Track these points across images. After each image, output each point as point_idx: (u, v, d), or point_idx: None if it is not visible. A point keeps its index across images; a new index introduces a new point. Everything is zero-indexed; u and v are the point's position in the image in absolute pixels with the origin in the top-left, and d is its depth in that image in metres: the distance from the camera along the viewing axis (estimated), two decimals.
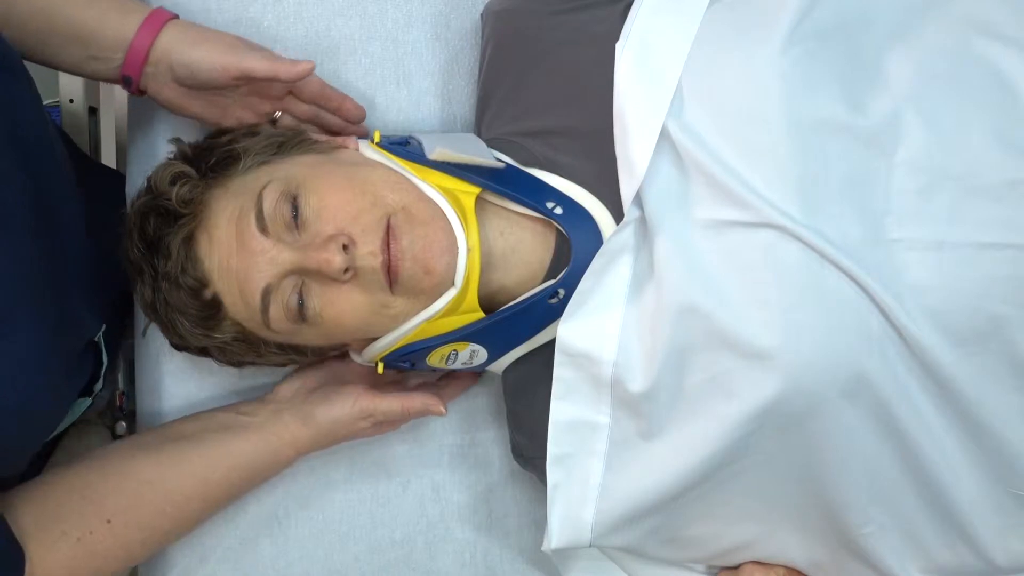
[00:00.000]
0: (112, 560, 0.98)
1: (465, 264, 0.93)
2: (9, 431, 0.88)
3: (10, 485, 0.97)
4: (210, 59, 0.97)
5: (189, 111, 1.03)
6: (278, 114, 1.05)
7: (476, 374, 1.12)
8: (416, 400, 1.04)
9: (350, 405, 1.03)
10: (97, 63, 0.99)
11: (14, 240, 0.86)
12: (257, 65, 0.97)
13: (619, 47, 0.93)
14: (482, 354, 1.00)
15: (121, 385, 1.21)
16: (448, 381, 1.12)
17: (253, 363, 1.04)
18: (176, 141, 1.03)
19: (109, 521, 0.96)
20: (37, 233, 0.89)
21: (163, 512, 1.00)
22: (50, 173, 0.94)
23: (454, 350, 0.98)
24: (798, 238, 0.85)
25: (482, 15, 1.11)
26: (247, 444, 1.03)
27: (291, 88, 1.04)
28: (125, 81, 1.00)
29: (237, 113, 1.04)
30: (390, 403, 1.04)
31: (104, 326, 1.06)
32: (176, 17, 1.01)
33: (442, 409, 1.05)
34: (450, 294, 0.94)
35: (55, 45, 0.97)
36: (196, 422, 1.06)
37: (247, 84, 1.00)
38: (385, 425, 1.08)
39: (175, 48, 0.97)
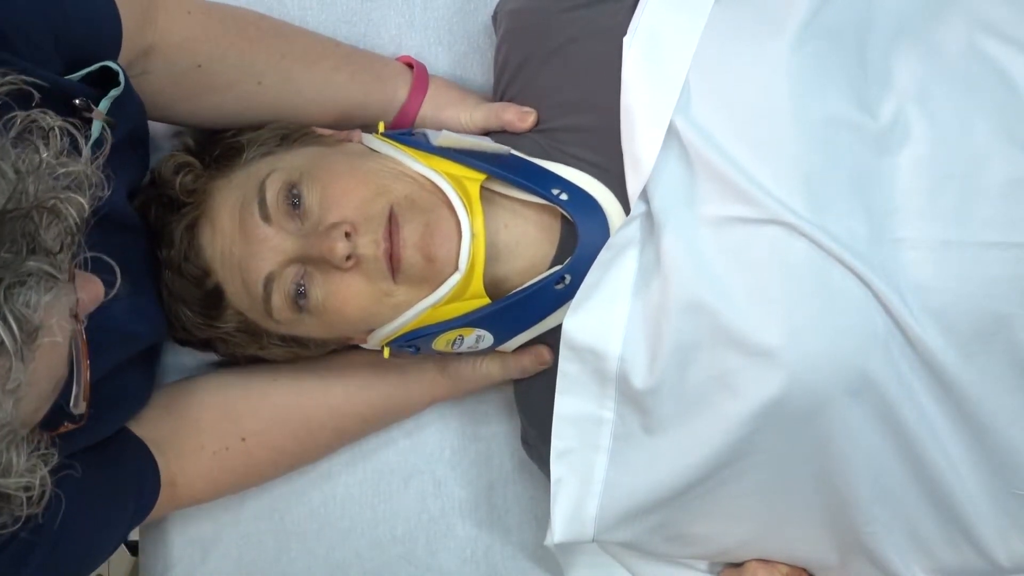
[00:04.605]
0: (244, 476, 1.07)
1: (469, 249, 0.93)
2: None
3: None
4: (459, 120, 1.08)
5: None
6: None
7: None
8: (525, 356, 1.04)
9: (480, 359, 1.06)
10: (361, 126, 1.06)
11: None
12: (492, 122, 1.06)
13: (627, 41, 0.93)
14: (488, 339, 0.99)
15: None
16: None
17: (256, 356, 1.05)
18: (180, 135, 1.04)
19: (244, 440, 1.03)
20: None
21: (295, 437, 1.06)
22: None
23: (460, 335, 0.98)
24: (805, 235, 0.85)
25: (494, 15, 1.10)
26: (384, 383, 1.07)
27: None
28: None
29: None
30: (514, 359, 1.05)
31: None
32: (423, 66, 1.10)
33: (548, 358, 1.03)
34: (454, 279, 0.93)
35: (324, 124, 1.05)
36: (341, 356, 1.09)
37: None
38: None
39: (432, 111, 1.09)
